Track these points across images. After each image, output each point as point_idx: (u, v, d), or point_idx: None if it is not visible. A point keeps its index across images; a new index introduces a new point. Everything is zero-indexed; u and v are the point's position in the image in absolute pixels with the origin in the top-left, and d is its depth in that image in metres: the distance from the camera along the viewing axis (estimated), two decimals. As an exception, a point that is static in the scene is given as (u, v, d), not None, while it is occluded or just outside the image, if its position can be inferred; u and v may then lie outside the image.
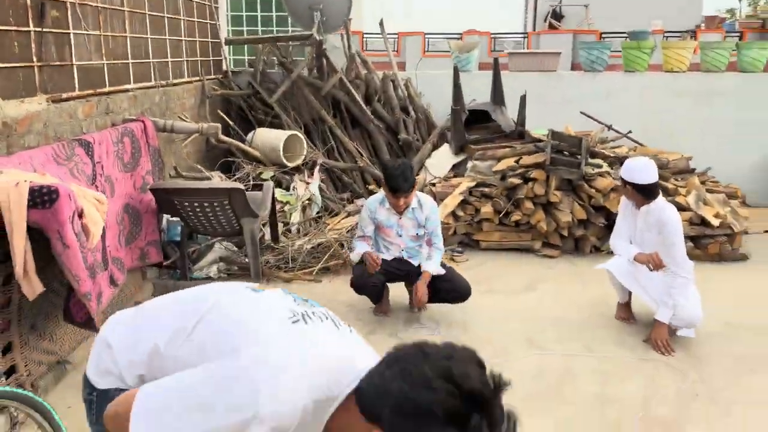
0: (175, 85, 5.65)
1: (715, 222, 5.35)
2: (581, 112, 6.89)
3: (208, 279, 4.87)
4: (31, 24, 3.52)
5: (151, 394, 1.24)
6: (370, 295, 4.19)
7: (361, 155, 6.39)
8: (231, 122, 6.24)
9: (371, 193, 5.97)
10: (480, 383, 1.09)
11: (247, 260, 5.06)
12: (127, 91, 4.69)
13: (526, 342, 3.92)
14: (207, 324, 1.35)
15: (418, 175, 5.92)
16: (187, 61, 6.00)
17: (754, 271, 5.21)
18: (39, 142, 3.51)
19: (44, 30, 3.64)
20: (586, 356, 3.75)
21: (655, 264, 3.72)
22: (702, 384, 3.43)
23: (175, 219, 4.64)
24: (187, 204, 4.20)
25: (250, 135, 6.17)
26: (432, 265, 4.08)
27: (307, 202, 5.74)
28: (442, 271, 4.11)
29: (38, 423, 2.03)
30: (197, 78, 6.25)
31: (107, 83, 4.43)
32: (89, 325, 2.77)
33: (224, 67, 7.09)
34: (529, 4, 24.16)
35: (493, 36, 15.15)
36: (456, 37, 15.32)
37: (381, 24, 7.00)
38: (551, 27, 18.52)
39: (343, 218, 5.77)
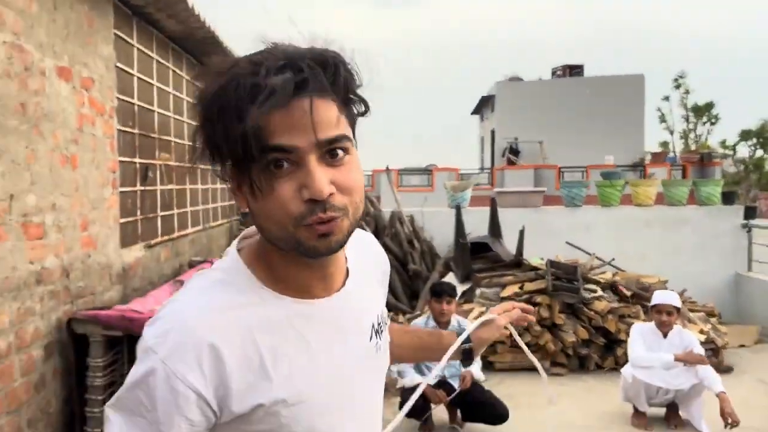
0: (212, 228, 6.28)
1: (702, 338, 6.06)
2: (567, 243, 7.75)
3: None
4: (138, 184, 4.16)
5: None
6: (418, 416, 4.64)
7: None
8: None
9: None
10: None
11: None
12: (186, 235, 5.28)
13: (564, 450, 4.41)
14: None
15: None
16: (220, 206, 6.67)
17: (740, 382, 5.87)
18: (141, 284, 4.04)
19: (145, 188, 4.28)
20: (618, 460, 4.26)
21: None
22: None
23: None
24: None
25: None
26: (475, 369, 4.61)
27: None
28: (483, 377, 4.64)
29: None
30: (226, 220, 6.89)
31: (176, 229, 5.03)
32: None
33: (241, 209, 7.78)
34: (486, 141, 26.29)
35: (461, 173, 16.51)
36: (425, 172, 16.66)
37: (387, 169, 7.89)
38: (509, 162, 20.18)
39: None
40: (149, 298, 3.47)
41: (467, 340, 1.40)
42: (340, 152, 0.89)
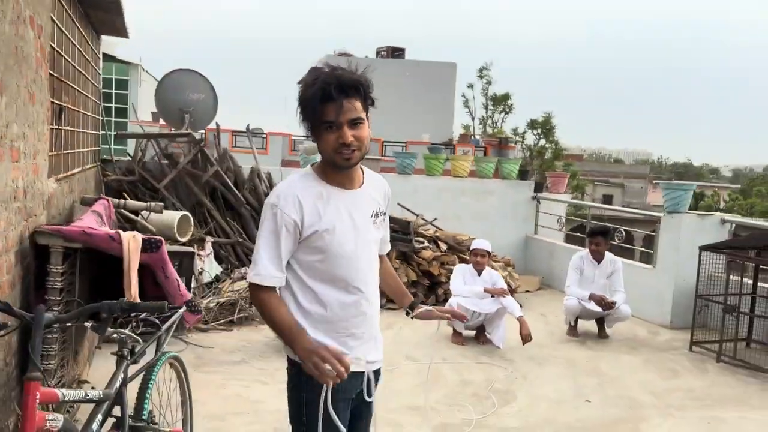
0: (87, 170, 6.60)
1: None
2: (399, 204, 9.08)
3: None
4: (54, 123, 4.58)
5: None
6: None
7: (235, 233, 7.77)
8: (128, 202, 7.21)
9: (244, 264, 7.37)
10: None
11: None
12: (74, 175, 5.67)
13: (404, 357, 5.68)
14: None
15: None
16: (90, 150, 6.96)
17: (527, 314, 7.61)
18: (55, 213, 4.51)
19: (58, 128, 4.70)
20: (444, 363, 5.62)
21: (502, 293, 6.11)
22: (516, 372, 5.49)
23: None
24: (145, 265, 5.29)
25: (145, 213, 7.19)
26: None
27: (200, 270, 6.94)
28: None
29: (180, 375, 3.24)
30: (94, 165, 7.19)
31: (69, 168, 5.42)
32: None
33: (103, 157, 8.02)
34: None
35: (293, 138, 17.38)
36: (260, 135, 17.27)
37: (248, 128, 8.60)
38: (334, 132, 21.39)
39: (231, 283, 7.05)
40: (85, 221, 4.03)
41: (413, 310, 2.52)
42: (359, 123, 2.03)
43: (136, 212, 6.84)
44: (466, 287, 6.22)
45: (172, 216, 7.19)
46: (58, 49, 4.67)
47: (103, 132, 7.86)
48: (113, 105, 16.57)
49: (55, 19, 4.51)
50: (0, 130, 2.99)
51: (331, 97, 1.96)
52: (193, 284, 6.44)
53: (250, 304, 6.55)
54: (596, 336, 6.79)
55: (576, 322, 6.83)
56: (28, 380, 1.95)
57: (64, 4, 4.90)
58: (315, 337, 2.05)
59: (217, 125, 8.30)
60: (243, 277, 6.99)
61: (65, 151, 5.10)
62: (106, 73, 16.20)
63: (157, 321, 2.80)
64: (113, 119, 16.32)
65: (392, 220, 7.80)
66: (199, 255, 7.12)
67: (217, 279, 7.14)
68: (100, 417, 2.35)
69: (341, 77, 1.99)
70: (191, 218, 7.42)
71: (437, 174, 9.77)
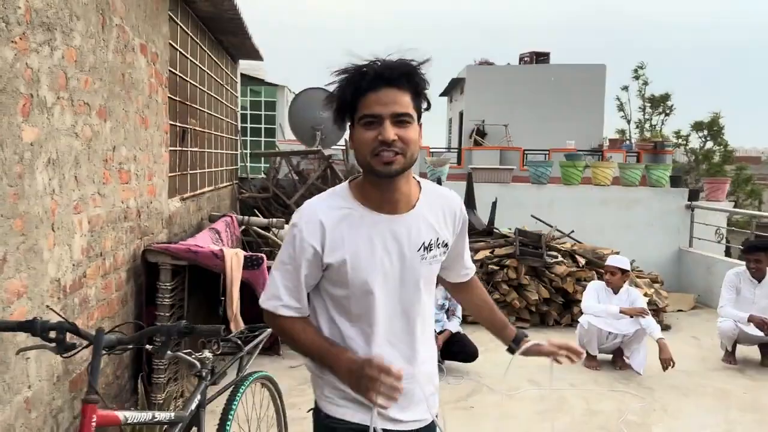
0: (220, 188, 6.94)
1: (645, 300, 7.02)
2: (532, 216, 8.64)
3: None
4: (177, 145, 4.82)
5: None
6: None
7: (363, 248, 7.78)
8: (259, 216, 7.51)
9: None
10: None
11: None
12: (204, 193, 5.95)
13: (528, 381, 5.30)
14: None
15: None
16: (225, 169, 7.32)
17: (677, 337, 6.87)
18: (178, 231, 4.73)
19: (182, 149, 4.94)
20: (571, 389, 5.16)
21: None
22: (654, 402, 4.91)
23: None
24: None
25: (277, 230, 7.43)
26: (453, 325, 5.46)
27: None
28: (460, 329, 5.50)
29: (274, 396, 3.19)
30: (230, 183, 7.55)
31: (198, 187, 5.70)
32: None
33: (239, 175, 8.43)
34: (454, 122, 27.10)
35: (431, 150, 17.29)
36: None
37: (375, 143, 8.63)
38: (476, 143, 21.05)
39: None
40: (198, 238, 4.17)
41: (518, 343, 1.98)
42: (406, 122, 1.57)
43: (268, 228, 7.07)
44: (599, 306, 5.71)
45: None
46: (181, 75, 4.92)
47: (241, 151, 8.25)
48: (263, 125, 17.50)
49: (177, 46, 4.76)
50: (105, 154, 3.14)
51: (372, 85, 1.56)
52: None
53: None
54: (758, 364, 5.93)
55: (734, 347, 6.02)
56: (85, 402, 1.95)
57: (188, 31, 5.17)
58: (338, 385, 1.69)
59: (346, 141, 8.40)
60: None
61: (192, 171, 5.36)
62: (256, 96, 17.20)
63: (239, 342, 2.76)
64: (263, 139, 17.23)
65: (521, 233, 7.41)
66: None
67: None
68: (171, 439, 2.33)
69: (388, 62, 1.58)
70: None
71: (575, 183, 9.18)
